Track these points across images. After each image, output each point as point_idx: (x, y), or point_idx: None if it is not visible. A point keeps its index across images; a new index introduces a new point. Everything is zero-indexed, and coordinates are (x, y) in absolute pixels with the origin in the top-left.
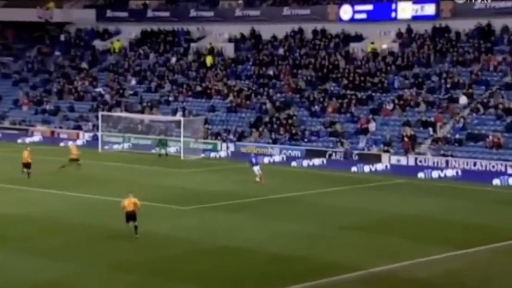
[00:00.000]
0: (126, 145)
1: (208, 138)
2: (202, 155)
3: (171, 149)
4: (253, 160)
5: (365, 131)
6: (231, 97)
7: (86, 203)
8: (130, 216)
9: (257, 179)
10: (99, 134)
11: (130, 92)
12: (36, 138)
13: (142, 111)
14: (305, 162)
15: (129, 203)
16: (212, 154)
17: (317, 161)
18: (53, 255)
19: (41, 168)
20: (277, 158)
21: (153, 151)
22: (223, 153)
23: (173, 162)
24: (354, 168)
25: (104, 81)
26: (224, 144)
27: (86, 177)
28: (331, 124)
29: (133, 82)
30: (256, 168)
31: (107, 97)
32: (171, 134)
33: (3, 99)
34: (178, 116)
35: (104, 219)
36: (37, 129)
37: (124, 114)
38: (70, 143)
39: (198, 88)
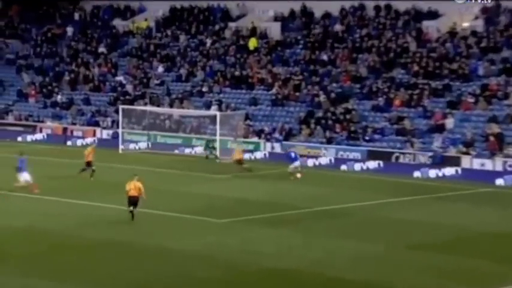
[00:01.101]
0: (151, 145)
1: (249, 136)
2: (296, 161)
3: (200, 149)
4: (292, 155)
5: (440, 129)
6: (276, 87)
7: (103, 215)
8: (133, 201)
9: (298, 175)
10: (120, 131)
11: (157, 82)
12: (40, 136)
13: (170, 105)
14: (365, 166)
15: (133, 187)
16: (254, 156)
17: (381, 165)
18: (62, 276)
19: (50, 172)
20: (331, 161)
21: (177, 151)
22: (267, 155)
23: (207, 166)
24: (427, 173)
25: (126, 69)
26: (268, 144)
27: (104, 183)
28: (398, 120)
29: (160, 69)
30: (295, 164)
31: (129, 87)
32: (204, 132)
33: (6, 89)
34: (214, 110)
35: (125, 234)
36: (46, 125)
37: (149, 108)
38: (91, 141)
39: (237, 77)
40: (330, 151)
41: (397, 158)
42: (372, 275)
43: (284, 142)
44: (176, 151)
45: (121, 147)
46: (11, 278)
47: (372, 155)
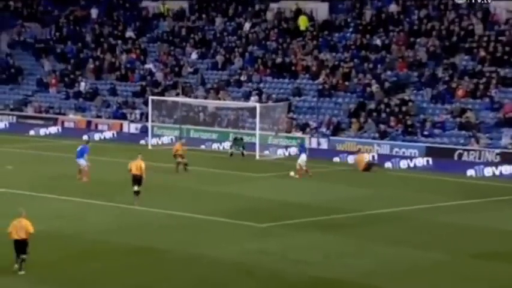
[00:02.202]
0: (183, 140)
1: (293, 131)
2: (281, 152)
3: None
4: (303, 147)
5: (510, 123)
6: (323, 76)
7: (132, 218)
8: (136, 180)
9: (291, 173)
10: (149, 125)
11: (190, 70)
12: (54, 129)
13: (205, 96)
14: (423, 164)
15: (135, 166)
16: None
17: (441, 163)
18: (86, 286)
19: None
20: (384, 159)
21: (216, 146)
22: (311, 152)
23: (246, 164)
24: (494, 173)
25: (156, 55)
26: (314, 140)
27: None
28: (461, 113)
29: (193, 56)
30: (303, 158)
31: (159, 76)
32: (242, 126)
33: (25, 78)
34: (253, 102)
35: (156, 240)
36: (68, 118)
37: (181, 99)
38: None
39: (280, 64)
40: (383, 147)
41: (460, 155)
42: (430, 286)
43: (332, 137)
44: (211, 146)
45: (150, 142)
46: (31, 287)
47: (430, 152)
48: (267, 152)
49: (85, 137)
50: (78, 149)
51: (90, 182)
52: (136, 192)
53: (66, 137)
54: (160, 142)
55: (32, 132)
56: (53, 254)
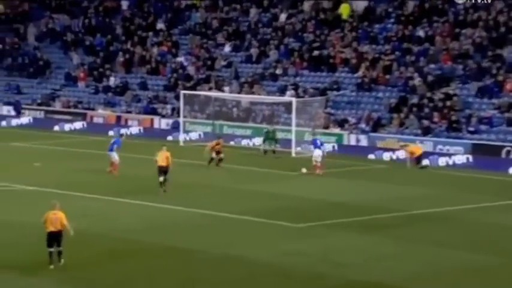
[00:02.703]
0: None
1: (330, 127)
2: (319, 149)
3: (259, 140)
4: (317, 142)
5: None
6: (363, 69)
7: (163, 216)
8: (163, 171)
9: (303, 170)
10: (181, 120)
11: (223, 63)
12: (82, 124)
13: (239, 90)
14: (469, 162)
15: (161, 157)
16: (335, 149)
17: (488, 161)
18: (118, 286)
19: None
20: (428, 156)
21: (249, 143)
22: (349, 149)
23: (281, 161)
24: None
25: (188, 48)
26: (353, 136)
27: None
28: (509, 107)
29: (226, 49)
30: (317, 153)
31: (191, 69)
32: (277, 121)
33: (53, 72)
34: (289, 96)
35: (189, 240)
36: (98, 113)
37: (214, 93)
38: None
39: (317, 57)
40: (426, 144)
41: (508, 152)
42: None
43: (371, 134)
44: (245, 143)
45: (182, 138)
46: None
47: (477, 149)
48: (299, 149)
49: (122, 131)
50: (112, 141)
51: (118, 178)
52: (162, 182)
53: (95, 133)
54: (192, 138)
55: (59, 128)
56: (81, 254)
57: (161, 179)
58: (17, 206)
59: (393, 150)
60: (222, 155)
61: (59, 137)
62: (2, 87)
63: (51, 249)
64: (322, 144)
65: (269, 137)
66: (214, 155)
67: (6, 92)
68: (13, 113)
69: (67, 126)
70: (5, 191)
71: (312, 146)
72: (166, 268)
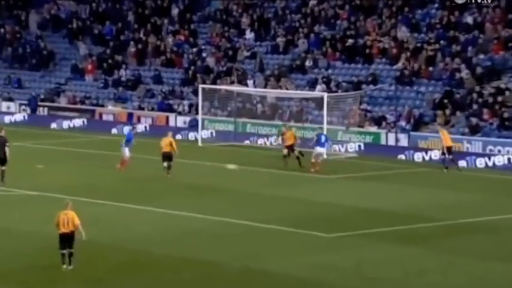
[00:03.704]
0: (238, 136)
1: (366, 125)
2: (322, 147)
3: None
4: (322, 138)
5: None
6: (403, 60)
7: (178, 225)
8: (167, 157)
9: (313, 169)
10: (199, 118)
11: (247, 54)
12: (79, 121)
13: (264, 84)
14: (503, 163)
15: (165, 143)
16: (369, 150)
17: None
18: None
19: (109, 172)
20: (475, 158)
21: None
22: (387, 150)
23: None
24: None
25: (207, 37)
26: (391, 135)
27: (181, 184)
28: None
29: (250, 38)
30: (320, 151)
31: (211, 61)
32: (306, 119)
33: (58, 64)
34: (320, 91)
35: (209, 251)
36: (107, 110)
37: (236, 87)
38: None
39: (351, 47)
40: (474, 144)
41: None
42: None
43: (412, 133)
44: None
45: (201, 138)
46: None
47: None
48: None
49: (134, 125)
50: (126, 137)
51: (128, 180)
52: (167, 167)
53: (103, 132)
54: (211, 137)
55: (65, 126)
56: (90, 266)
57: (165, 164)
58: (18, 213)
59: (436, 150)
60: (297, 151)
61: (66, 136)
62: (1, 81)
63: (64, 251)
64: (327, 140)
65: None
66: (286, 151)
67: (6, 86)
68: (28, 110)
69: (77, 124)
70: (5, 196)
71: (319, 142)
72: (183, 283)
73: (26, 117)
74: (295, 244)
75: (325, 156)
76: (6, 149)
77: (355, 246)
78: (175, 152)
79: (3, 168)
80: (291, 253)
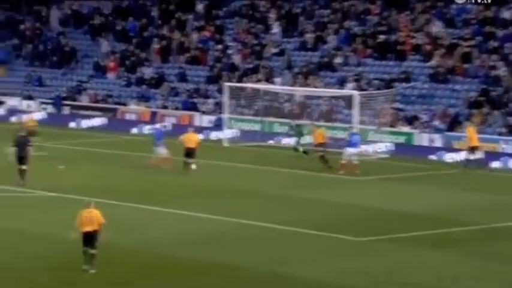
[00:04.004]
0: (265, 135)
1: (398, 124)
2: (353, 148)
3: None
4: (354, 138)
5: None
6: (437, 57)
7: (201, 228)
8: (190, 153)
9: (342, 161)
10: (225, 117)
11: (274, 51)
12: (98, 121)
13: (292, 82)
14: None
15: (188, 139)
16: (402, 151)
17: None
18: None
19: (130, 173)
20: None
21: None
22: (420, 150)
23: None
24: None
25: (233, 33)
26: (425, 135)
27: (205, 186)
28: None
29: (278, 34)
30: (350, 151)
31: (237, 58)
32: (335, 118)
33: (80, 61)
34: (350, 89)
35: (233, 255)
36: (130, 109)
37: (263, 86)
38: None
39: (383, 43)
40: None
41: None
42: None
43: (447, 133)
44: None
45: (226, 138)
46: None
47: None
48: (352, 150)
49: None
50: (155, 135)
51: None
52: (188, 163)
53: (123, 131)
54: (237, 137)
55: (84, 125)
56: (110, 269)
57: (188, 160)
58: (38, 215)
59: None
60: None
61: (88, 135)
62: (21, 79)
63: (86, 248)
64: (359, 141)
65: (295, 134)
66: (318, 152)
67: (27, 84)
68: (50, 109)
69: (98, 123)
70: (25, 197)
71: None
72: (207, 287)
73: (46, 116)
74: (324, 248)
75: (356, 158)
76: (29, 148)
77: (386, 251)
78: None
79: (23, 167)
80: (319, 258)
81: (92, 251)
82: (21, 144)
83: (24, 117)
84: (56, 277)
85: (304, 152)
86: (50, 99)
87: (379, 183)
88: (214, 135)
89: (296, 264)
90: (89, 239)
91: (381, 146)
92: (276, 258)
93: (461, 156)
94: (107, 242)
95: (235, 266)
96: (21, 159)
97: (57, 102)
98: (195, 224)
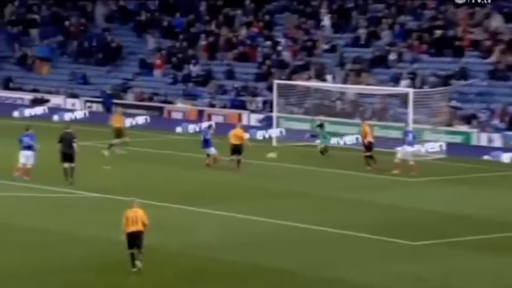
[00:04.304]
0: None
1: (455, 123)
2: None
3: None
4: (410, 136)
5: None
6: (496, 53)
7: (248, 230)
8: (236, 150)
9: (395, 171)
10: (274, 115)
11: (325, 47)
12: (141, 119)
13: (344, 79)
14: None
15: (235, 135)
16: (459, 151)
17: None
18: None
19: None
20: None
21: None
22: (478, 150)
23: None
24: None
25: (283, 29)
26: (483, 135)
27: (252, 187)
28: None
29: (329, 29)
30: (410, 150)
31: (287, 55)
32: (388, 117)
33: (125, 58)
34: (405, 87)
35: (280, 259)
36: (177, 107)
37: (314, 83)
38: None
39: (439, 38)
40: None
41: None
42: None
43: (507, 132)
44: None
45: (275, 137)
46: None
47: None
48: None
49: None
50: (202, 138)
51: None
52: (237, 162)
53: (168, 130)
54: (285, 136)
55: (127, 124)
56: (155, 272)
57: (235, 157)
58: (83, 216)
59: None
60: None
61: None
62: (66, 77)
63: (133, 251)
64: (414, 138)
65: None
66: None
67: (71, 82)
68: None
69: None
70: (69, 198)
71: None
72: None
73: (87, 115)
74: (376, 252)
75: (411, 158)
76: (74, 145)
77: (443, 256)
78: (246, 145)
79: (72, 165)
80: (371, 262)
81: (140, 251)
82: (66, 141)
83: (112, 117)
84: (102, 280)
85: (321, 152)
86: (98, 97)
87: (434, 184)
88: (262, 134)
89: (345, 269)
90: (135, 239)
91: (436, 145)
92: (325, 262)
93: None
94: (153, 245)
95: (283, 270)
96: (67, 156)
97: (107, 101)
98: (241, 226)
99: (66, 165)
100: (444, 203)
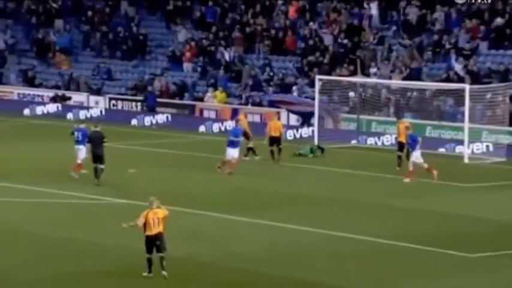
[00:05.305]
0: (365, 137)
1: None
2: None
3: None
4: (416, 139)
5: None
6: None
7: (290, 241)
8: (274, 142)
9: (407, 179)
10: (315, 113)
11: (372, 40)
12: (162, 117)
13: (390, 75)
14: None
15: (273, 127)
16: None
17: None
18: None
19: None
20: None
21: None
22: None
23: (449, 170)
24: None
25: (323, 15)
26: None
27: (293, 193)
28: None
29: (374, 11)
30: (417, 153)
31: (329, 48)
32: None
33: (153, 51)
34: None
35: (325, 273)
36: (208, 105)
37: (360, 79)
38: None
39: (497, 28)
40: None
41: None
42: None
43: None
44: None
45: (317, 136)
46: None
47: None
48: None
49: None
50: (231, 137)
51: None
52: (275, 152)
53: (192, 129)
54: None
55: (147, 122)
56: (186, 285)
57: (274, 148)
58: (107, 224)
59: None
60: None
61: (161, 135)
62: (88, 72)
63: (151, 256)
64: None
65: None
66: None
67: (94, 77)
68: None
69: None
70: (93, 204)
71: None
72: None
73: (103, 112)
74: (429, 265)
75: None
76: (104, 145)
77: (505, 269)
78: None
79: (101, 166)
80: (424, 276)
81: (160, 254)
82: (96, 141)
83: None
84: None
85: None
86: (123, 94)
87: (490, 190)
88: (302, 133)
89: (397, 283)
90: (154, 242)
91: (499, 148)
92: (374, 275)
93: None
94: (185, 256)
95: (327, 284)
96: (97, 157)
97: (150, 100)
98: (282, 236)
99: (96, 166)
100: (505, 211)
